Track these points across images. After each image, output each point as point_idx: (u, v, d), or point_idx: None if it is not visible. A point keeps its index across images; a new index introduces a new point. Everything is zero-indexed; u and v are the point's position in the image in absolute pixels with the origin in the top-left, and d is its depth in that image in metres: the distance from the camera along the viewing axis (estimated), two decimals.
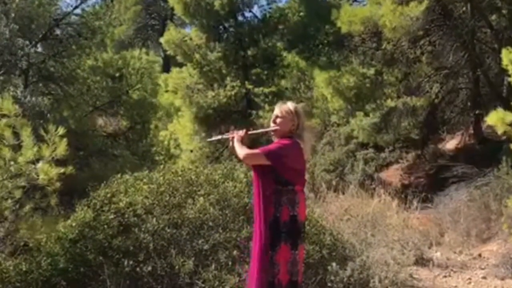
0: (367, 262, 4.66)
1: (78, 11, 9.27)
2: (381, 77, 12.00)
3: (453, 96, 12.07)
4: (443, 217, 7.50)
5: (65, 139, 4.19)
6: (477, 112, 11.22)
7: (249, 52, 14.45)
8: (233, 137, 3.40)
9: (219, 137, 3.69)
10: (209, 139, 4.37)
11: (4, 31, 7.75)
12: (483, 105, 10.97)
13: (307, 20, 14.43)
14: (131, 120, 10.05)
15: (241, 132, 3.41)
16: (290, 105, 3.40)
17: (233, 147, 3.39)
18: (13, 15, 7.99)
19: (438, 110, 12.02)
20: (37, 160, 4.15)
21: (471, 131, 12.21)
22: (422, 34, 11.31)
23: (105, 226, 4.30)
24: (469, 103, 11.76)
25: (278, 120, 3.37)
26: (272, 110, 3.52)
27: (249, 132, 3.46)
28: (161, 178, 4.72)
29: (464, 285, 5.43)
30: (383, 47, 11.51)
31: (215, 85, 14.39)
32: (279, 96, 13.22)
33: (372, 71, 11.96)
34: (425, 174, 11.67)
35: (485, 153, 10.03)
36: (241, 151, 3.30)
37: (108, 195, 4.60)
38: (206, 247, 4.19)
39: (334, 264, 4.31)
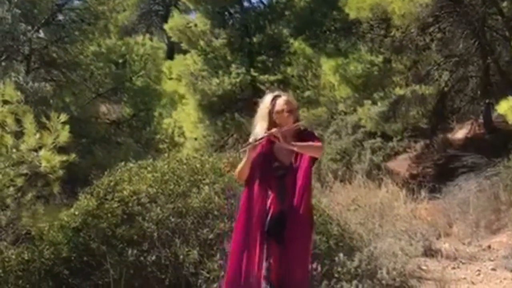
0: (375, 252, 4.60)
1: None
2: (390, 65, 11.85)
3: (463, 85, 11.90)
4: (451, 208, 7.42)
5: (67, 126, 4.13)
6: (487, 101, 11.08)
7: (255, 39, 14.29)
8: (276, 136, 2.98)
9: (257, 141, 3.04)
10: (244, 147, 3.16)
11: (6, 16, 7.69)
12: (494, 93, 10.80)
13: (314, 6, 14.22)
14: (134, 108, 9.96)
15: (277, 132, 2.99)
16: (282, 93, 3.15)
17: (303, 147, 2.99)
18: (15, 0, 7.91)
19: (448, 98, 11.87)
20: (40, 148, 4.09)
21: (481, 120, 12.08)
22: (431, 21, 11.14)
23: (109, 215, 4.27)
24: (479, 92, 11.59)
25: (293, 115, 3.06)
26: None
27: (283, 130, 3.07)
28: (166, 166, 4.66)
29: (473, 276, 5.38)
30: (391, 34, 11.34)
31: (220, 73, 14.25)
32: (285, 83, 13.08)
33: (380, 58, 11.80)
34: (433, 164, 11.57)
35: (495, 142, 9.95)
36: (313, 144, 3.01)
37: (112, 184, 4.55)
38: (211, 236, 4.13)
39: (341, 254, 4.25)
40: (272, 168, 3.04)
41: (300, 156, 3.04)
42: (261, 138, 3.00)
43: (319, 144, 3.05)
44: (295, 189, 3.01)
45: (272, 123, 3.06)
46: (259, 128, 3.09)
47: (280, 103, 3.07)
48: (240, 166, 3.09)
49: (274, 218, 3.00)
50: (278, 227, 2.98)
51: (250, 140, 3.04)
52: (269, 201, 3.01)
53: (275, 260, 2.97)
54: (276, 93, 3.16)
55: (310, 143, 3.03)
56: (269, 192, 3.03)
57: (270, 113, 3.07)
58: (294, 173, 3.03)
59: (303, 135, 3.07)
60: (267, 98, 3.12)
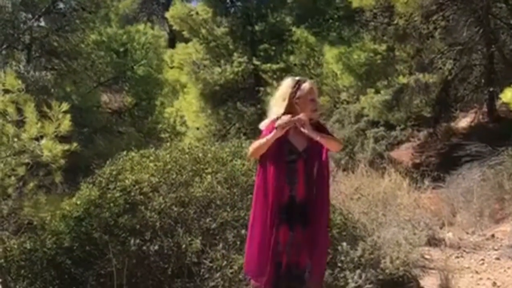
0: (378, 242, 4.57)
1: None
2: (393, 53, 11.78)
3: (466, 73, 11.81)
4: (455, 197, 7.37)
5: (68, 115, 4.10)
6: (491, 89, 11.00)
7: (257, 27, 14.19)
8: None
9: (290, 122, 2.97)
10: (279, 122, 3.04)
11: (7, 5, 7.64)
12: (498, 82, 10.72)
13: None
14: (136, 97, 9.95)
15: (305, 116, 2.98)
16: (306, 79, 3.13)
17: (326, 138, 3.01)
18: None
19: (451, 87, 11.79)
20: (41, 137, 4.06)
21: (485, 109, 12.02)
22: (435, 8, 11.02)
23: (111, 204, 4.23)
24: (483, 80, 11.51)
25: (314, 103, 3.05)
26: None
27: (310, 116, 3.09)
28: (168, 155, 4.62)
29: (477, 266, 5.36)
30: (395, 22, 11.23)
31: (222, 61, 14.18)
32: (288, 72, 12.97)
33: (383, 47, 11.73)
34: (437, 153, 11.54)
35: (499, 131, 9.88)
36: (335, 138, 3.14)
37: (114, 173, 4.52)
38: (213, 226, 4.11)
39: (344, 244, 4.22)
40: (284, 152, 2.99)
41: (316, 145, 3.01)
42: (291, 121, 2.93)
43: (338, 139, 3.12)
44: (308, 176, 2.98)
45: (290, 106, 3.00)
46: (278, 108, 3.03)
47: (306, 87, 3.02)
48: (260, 141, 2.98)
49: (286, 204, 2.98)
50: (290, 213, 2.97)
51: (279, 121, 2.93)
52: (279, 187, 2.98)
53: (284, 246, 2.96)
54: (299, 78, 3.11)
55: (332, 136, 3.07)
56: (282, 178, 2.99)
57: (292, 95, 3.01)
58: (306, 160, 3.00)
59: (318, 127, 3.04)
60: (289, 80, 3.08)
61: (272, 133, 2.93)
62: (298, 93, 3.01)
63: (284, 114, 2.99)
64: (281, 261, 2.98)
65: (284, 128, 2.93)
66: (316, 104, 3.06)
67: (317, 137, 2.94)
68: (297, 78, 3.11)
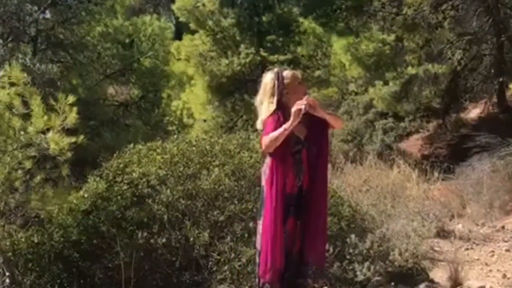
0: (387, 234, 4.53)
1: None
2: (402, 44, 11.73)
3: (476, 63, 11.72)
4: (465, 188, 7.32)
5: (75, 108, 4.07)
6: (501, 79, 10.92)
7: (264, 18, 14.10)
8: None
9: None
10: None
11: None
12: (508, 72, 10.65)
13: None
14: (143, 89, 9.90)
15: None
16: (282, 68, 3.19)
17: (333, 116, 3.14)
18: None
19: (461, 77, 11.73)
20: (48, 130, 4.04)
21: (495, 100, 11.94)
22: None
23: (118, 197, 4.23)
24: (492, 70, 11.42)
25: (303, 85, 3.16)
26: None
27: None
28: (175, 148, 4.60)
29: (486, 258, 5.30)
30: (403, 12, 11.17)
31: (229, 53, 14.12)
32: (295, 63, 12.91)
33: (392, 37, 11.67)
34: (446, 144, 11.49)
35: (509, 122, 9.82)
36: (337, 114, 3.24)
37: (121, 166, 4.51)
38: (221, 218, 4.10)
39: (353, 236, 4.20)
40: (291, 143, 2.96)
41: (314, 131, 2.99)
42: (305, 105, 2.88)
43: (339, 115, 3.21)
44: (313, 165, 3.00)
45: (281, 98, 2.99)
46: (270, 105, 3.01)
47: (289, 74, 3.06)
48: (274, 134, 2.88)
49: (295, 196, 2.99)
50: (296, 204, 2.98)
51: (294, 107, 2.84)
52: (288, 179, 2.97)
53: (292, 236, 2.98)
54: (277, 69, 3.13)
55: (334, 114, 3.21)
56: (291, 170, 2.98)
57: (280, 87, 2.99)
58: (308, 149, 3.00)
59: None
60: (269, 74, 3.08)
61: (289, 122, 2.85)
62: (285, 82, 3.00)
63: (277, 108, 2.97)
64: (289, 252, 2.98)
65: (300, 114, 2.85)
66: (305, 86, 3.11)
67: (326, 116, 2.97)
68: (275, 69, 3.11)
